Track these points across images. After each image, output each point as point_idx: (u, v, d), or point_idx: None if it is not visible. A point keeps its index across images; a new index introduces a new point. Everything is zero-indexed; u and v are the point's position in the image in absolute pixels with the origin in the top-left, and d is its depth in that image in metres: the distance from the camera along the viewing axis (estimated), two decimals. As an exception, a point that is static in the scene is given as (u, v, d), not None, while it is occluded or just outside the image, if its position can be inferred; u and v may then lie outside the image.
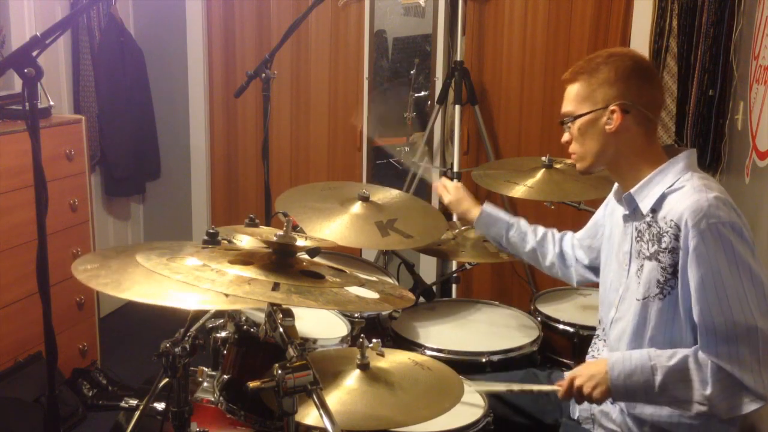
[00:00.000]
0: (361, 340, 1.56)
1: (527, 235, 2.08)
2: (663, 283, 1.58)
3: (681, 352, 1.55)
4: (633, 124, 1.63)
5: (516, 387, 1.83)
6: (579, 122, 1.67)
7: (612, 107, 1.62)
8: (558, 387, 1.71)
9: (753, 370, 1.49)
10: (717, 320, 1.50)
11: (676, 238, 1.54)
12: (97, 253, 1.46)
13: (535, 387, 1.82)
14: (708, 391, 1.51)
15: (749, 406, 1.50)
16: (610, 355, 1.64)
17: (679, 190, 1.58)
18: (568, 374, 1.69)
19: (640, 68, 1.64)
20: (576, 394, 1.65)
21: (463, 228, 2.43)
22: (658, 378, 1.55)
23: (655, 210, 1.61)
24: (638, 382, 1.57)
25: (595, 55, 1.68)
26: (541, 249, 2.07)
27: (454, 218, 3.14)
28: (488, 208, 2.12)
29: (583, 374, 1.65)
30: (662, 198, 1.60)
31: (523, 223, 2.10)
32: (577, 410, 1.81)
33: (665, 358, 1.56)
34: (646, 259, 1.62)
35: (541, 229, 2.09)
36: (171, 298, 1.27)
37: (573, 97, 1.68)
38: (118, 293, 1.24)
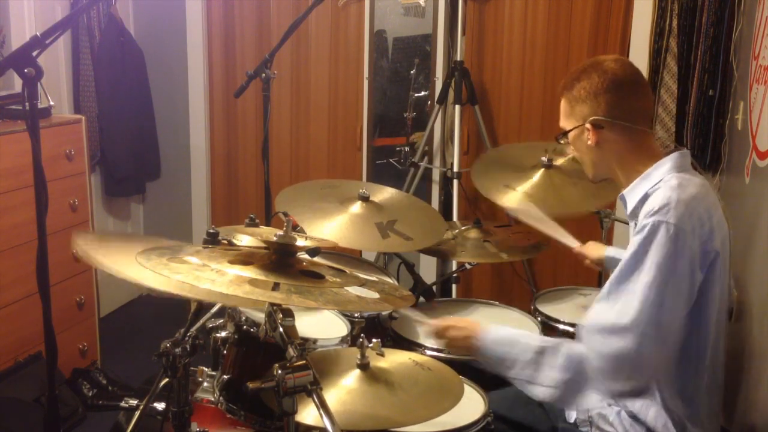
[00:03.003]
0: (361, 340, 1.56)
1: None
2: None
3: (552, 340, 1.62)
4: (612, 136, 1.68)
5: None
6: (569, 137, 1.76)
7: (586, 125, 1.69)
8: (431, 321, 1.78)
9: (608, 372, 1.53)
10: (605, 304, 1.56)
11: None
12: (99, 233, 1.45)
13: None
14: (562, 375, 1.56)
15: (589, 401, 1.57)
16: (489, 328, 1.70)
17: (657, 190, 1.62)
18: (449, 319, 1.76)
19: (611, 81, 1.65)
20: (440, 331, 1.73)
21: (463, 228, 2.43)
22: (516, 351, 1.61)
23: (639, 209, 1.65)
24: (499, 352, 1.64)
25: (575, 68, 1.74)
26: None
27: (454, 218, 3.14)
28: (609, 252, 2.17)
29: (459, 323, 1.72)
30: (644, 198, 1.64)
31: None
32: (574, 414, 1.81)
33: (535, 339, 1.64)
34: None
35: None
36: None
37: (562, 112, 1.78)
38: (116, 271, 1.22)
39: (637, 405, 1.67)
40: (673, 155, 1.66)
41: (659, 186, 1.62)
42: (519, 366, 1.61)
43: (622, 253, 2.07)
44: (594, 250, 2.23)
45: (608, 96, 1.66)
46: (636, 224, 1.65)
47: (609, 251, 2.18)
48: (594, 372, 1.54)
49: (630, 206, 1.68)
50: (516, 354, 1.61)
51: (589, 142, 1.69)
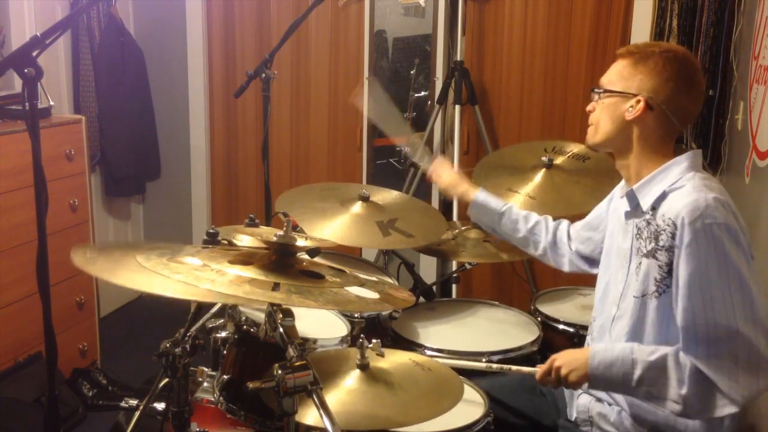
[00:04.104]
0: (361, 340, 1.56)
1: (518, 223, 2.09)
2: (659, 281, 1.59)
3: (663, 349, 1.56)
4: (653, 122, 1.64)
5: (495, 366, 1.84)
6: (606, 96, 1.69)
7: (639, 97, 1.63)
8: (537, 369, 1.72)
9: (730, 376, 1.49)
10: (699, 320, 1.51)
11: (673, 236, 1.55)
12: (98, 245, 1.45)
13: (514, 367, 1.81)
14: (683, 390, 1.52)
15: (722, 410, 1.50)
16: (594, 345, 1.66)
17: (679, 189, 1.59)
18: (550, 358, 1.70)
19: (686, 74, 1.63)
20: (554, 377, 1.67)
21: (463, 228, 2.43)
22: (637, 372, 1.56)
23: (654, 207, 1.62)
24: (617, 374, 1.58)
25: (655, 43, 1.73)
26: (533, 237, 2.08)
27: (454, 218, 3.14)
28: (480, 196, 2.12)
29: (563, 358, 1.66)
30: (663, 196, 1.61)
31: (514, 210, 2.10)
32: (575, 412, 1.81)
33: (646, 353, 1.57)
34: (644, 256, 1.63)
35: (533, 217, 2.09)
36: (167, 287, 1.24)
37: (615, 71, 1.70)
38: (112, 279, 1.21)
39: (643, 408, 1.67)
40: (689, 154, 1.64)
41: (680, 185, 1.59)
42: (646, 384, 1.56)
43: (492, 201, 2.08)
44: (454, 185, 2.17)
45: (677, 85, 1.62)
46: (647, 224, 1.62)
47: (480, 196, 2.10)
48: (718, 382, 1.50)
49: (645, 204, 1.63)
50: (637, 372, 1.56)
51: (627, 115, 1.65)
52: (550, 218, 2.10)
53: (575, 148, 2.50)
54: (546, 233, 2.07)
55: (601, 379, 1.61)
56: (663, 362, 1.55)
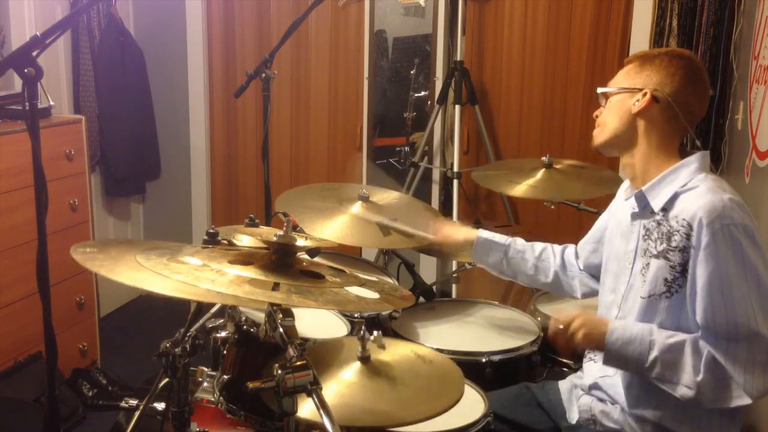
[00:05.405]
0: (362, 332, 1.55)
1: (526, 252, 2.04)
2: (671, 282, 1.59)
3: (681, 335, 1.56)
4: (658, 116, 1.65)
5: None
6: (612, 95, 1.72)
7: (645, 90, 1.66)
8: None
9: (746, 370, 1.50)
10: (719, 320, 1.51)
11: (688, 237, 1.55)
12: (98, 242, 1.45)
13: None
14: (699, 377, 1.52)
15: (735, 401, 1.50)
16: (612, 320, 1.64)
17: (692, 190, 1.59)
18: (568, 315, 1.65)
19: (691, 71, 1.66)
20: (567, 334, 1.63)
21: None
22: (653, 353, 1.55)
23: (666, 209, 1.62)
24: (633, 353, 1.57)
25: (660, 48, 1.74)
26: (542, 264, 2.04)
27: (455, 218, 3.14)
28: (483, 233, 2.07)
29: (584, 320, 1.62)
30: (674, 197, 1.61)
31: (519, 241, 2.06)
32: (577, 413, 1.80)
33: (665, 336, 1.57)
34: (653, 257, 1.62)
35: (539, 245, 2.07)
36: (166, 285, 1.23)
37: (622, 74, 1.73)
38: (112, 276, 1.21)
39: (642, 403, 1.67)
40: (698, 155, 1.64)
41: (693, 186, 1.59)
42: (659, 366, 1.55)
43: (497, 236, 2.06)
44: (455, 231, 2.13)
45: (683, 81, 1.64)
46: (657, 224, 1.62)
47: (483, 233, 2.07)
48: (734, 375, 1.50)
49: (656, 205, 1.62)
50: (653, 354, 1.55)
51: (633, 109, 1.66)
52: (555, 245, 2.08)
53: (572, 161, 2.55)
54: (554, 257, 2.04)
55: (615, 356, 1.60)
56: (681, 347, 1.54)
